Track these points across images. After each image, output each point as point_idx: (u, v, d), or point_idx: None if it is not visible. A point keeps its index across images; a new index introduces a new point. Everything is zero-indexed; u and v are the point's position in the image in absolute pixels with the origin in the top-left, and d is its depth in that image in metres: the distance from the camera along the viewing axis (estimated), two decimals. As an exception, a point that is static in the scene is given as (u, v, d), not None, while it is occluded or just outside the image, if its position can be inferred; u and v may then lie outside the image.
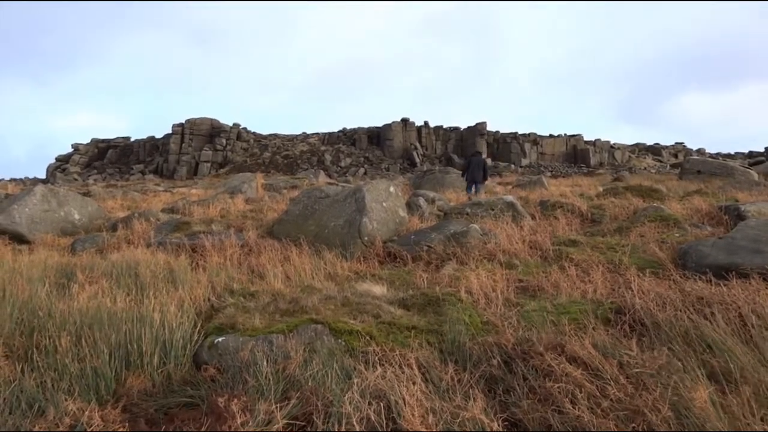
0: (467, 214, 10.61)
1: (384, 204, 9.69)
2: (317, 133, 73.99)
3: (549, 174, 50.85)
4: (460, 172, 22.98)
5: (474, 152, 20.86)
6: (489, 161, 57.96)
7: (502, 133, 68.22)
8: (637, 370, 3.79)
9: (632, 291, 5.52)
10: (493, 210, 10.56)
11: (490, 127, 67.59)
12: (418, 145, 66.94)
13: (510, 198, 11.18)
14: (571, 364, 3.86)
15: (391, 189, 10.34)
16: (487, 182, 20.45)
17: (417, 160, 63.62)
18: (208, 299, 5.88)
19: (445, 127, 70.40)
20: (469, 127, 68.74)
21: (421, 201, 12.00)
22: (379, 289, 6.06)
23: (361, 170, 59.25)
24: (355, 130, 71.59)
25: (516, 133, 68.18)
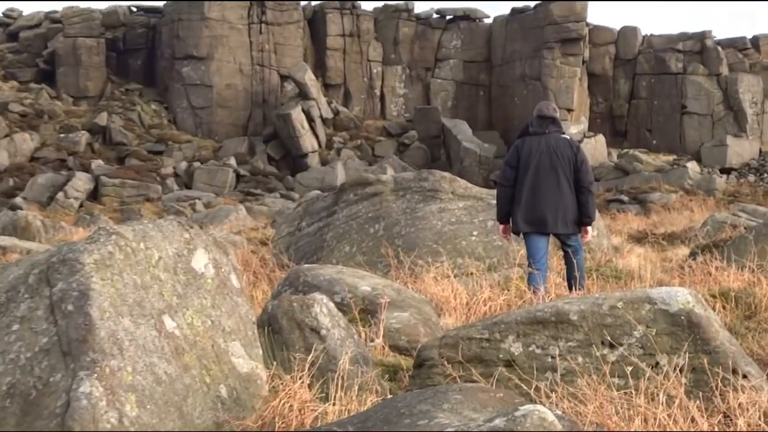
0: (513, 362, 2.62)
1: (170, 323, 2.45)
2: None
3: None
4: (500, 182, 5.59)
5: (543, 114, 5.22)
6: (601, 140, 23.59)
7: (648, 37, 24.99)
8: None
9: None
10: (616, 347, 2.54)
11: (594, 17, 23.43)
12: (310, 78, 24.11)
13: (685, 295, 2.65)
14: None
15: (199, 258, 2.74)
16: (592, 232, 5.57)
17: (308, 141, 23.23)
18: None
19: (418, 12, 25.47)
20: (514, 12, 25.26)
21: (318, 309, 3.14)
22: None
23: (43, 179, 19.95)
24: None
25: (687, 34, 24.27)
